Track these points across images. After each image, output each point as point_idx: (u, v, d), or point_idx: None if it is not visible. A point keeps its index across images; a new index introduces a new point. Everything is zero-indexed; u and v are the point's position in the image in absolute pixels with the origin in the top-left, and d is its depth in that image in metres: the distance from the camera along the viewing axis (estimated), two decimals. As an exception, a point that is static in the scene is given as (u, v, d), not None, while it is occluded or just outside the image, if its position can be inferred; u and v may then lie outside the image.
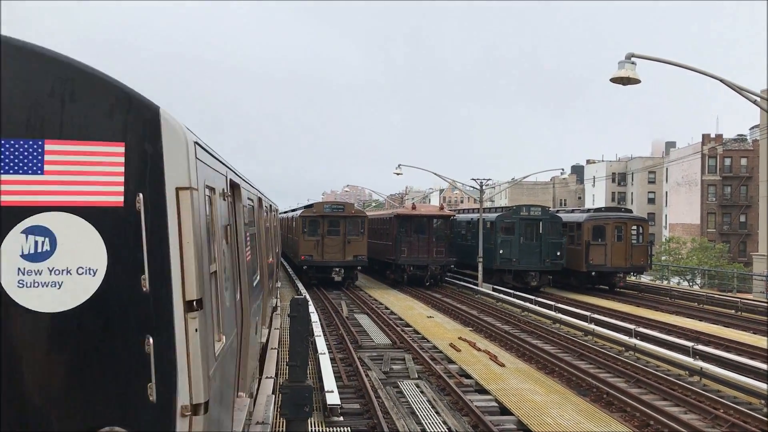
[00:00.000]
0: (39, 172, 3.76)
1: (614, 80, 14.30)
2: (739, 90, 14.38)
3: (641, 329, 20.46)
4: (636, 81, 14.28)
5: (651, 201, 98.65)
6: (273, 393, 10.37)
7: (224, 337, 4.93)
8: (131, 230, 3.80)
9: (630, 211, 42.82)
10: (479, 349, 18.48)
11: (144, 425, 3.76)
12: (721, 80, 14.44)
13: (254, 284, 7.50)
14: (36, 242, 3.73)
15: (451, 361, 17.12)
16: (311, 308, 20.66)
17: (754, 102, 14.75)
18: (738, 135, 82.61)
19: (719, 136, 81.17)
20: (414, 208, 37.49)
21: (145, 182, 3.84)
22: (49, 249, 3.74)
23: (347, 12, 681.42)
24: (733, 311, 27.78)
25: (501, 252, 33.74)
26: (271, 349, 14.39)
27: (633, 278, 39.78)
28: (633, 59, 14.21)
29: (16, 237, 3.71)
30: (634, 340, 18.99)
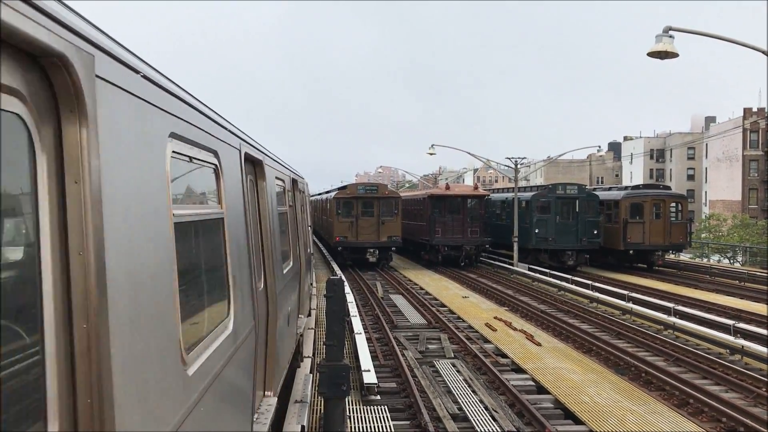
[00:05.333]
0: None
1: (652, 54, 14.02)
2: (782, 61, 13.96)
3: (680, 307, 20.17)
4: (674, 55, 13.97)
5: (690, 177, 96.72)
6: (311, 372, 10.53)
7: None
8: None
9: (668, 188, 42.00)
10: (515, 329, 18.45)
11: None
12: (764, 52, 14.03)
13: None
14: None
15: (486, 341, 17.13)
16: (347, 289, 20.81)
17: (798, 74, 14.31)
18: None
19: (761, 110, 78.89)
20: (448, 188, 37.29)
21: None
22: None
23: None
24: (776, 289, 27.17)
25: (537, 231, 33.47)
26: (308, 329, 14.59)
27: (672, 256, 39.15)
28: (671, 33, 13.90)
29: None
30: (673, 319, 18.76)
